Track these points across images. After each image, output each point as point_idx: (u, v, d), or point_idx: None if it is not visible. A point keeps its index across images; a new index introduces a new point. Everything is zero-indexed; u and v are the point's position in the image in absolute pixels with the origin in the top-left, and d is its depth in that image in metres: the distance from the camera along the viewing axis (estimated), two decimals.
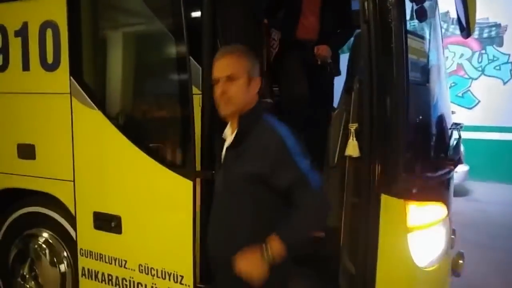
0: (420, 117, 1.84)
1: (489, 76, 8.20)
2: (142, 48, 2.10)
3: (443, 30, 8.15)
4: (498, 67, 8.12)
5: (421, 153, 1.80)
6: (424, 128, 1.83)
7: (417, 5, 1.95)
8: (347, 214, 1.79)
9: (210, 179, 1.82)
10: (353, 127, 1.69)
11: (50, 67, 2.19)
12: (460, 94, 8.44)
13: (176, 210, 1.90)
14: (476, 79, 8.31)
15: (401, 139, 1.63)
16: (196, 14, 1.80)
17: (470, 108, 8.33)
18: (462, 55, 8.36)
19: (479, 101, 8.26)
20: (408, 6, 1.69)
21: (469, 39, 8.71)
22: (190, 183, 1.81)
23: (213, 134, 1.83)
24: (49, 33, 2.17)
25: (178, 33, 1.81)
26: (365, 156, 1.65)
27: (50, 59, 2.18)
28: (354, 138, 1.69)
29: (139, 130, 2.03)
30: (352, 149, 1.69)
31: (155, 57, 2.04)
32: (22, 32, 2.24)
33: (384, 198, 1.63)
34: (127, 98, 2.15)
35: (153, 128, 2.07)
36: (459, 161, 1.98)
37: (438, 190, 1.88)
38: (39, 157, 2.29)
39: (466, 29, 2.34)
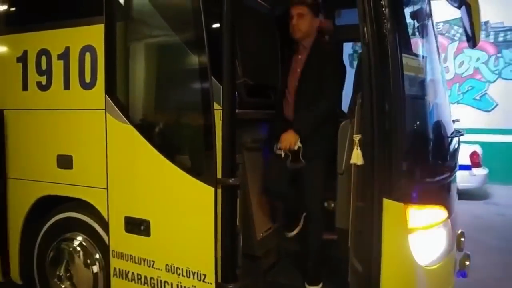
0: (418, 128, 2.01)
1: (506, 79, 8.32)
2: (168, 69, 2.33)
3: (458, 35, 8.36)
4: None
5: (419, 160, 1.97)
6: (422, 137, 2.01)
7: (418, 22, 2.16)
8: (354, 217, 1.97)
9: (230, 185, 2.04)
10: (357, 137, 1.88)
11: (88, 86, 2.44)
12: (477, 98, 8.53)
13: (199, 214, 2.08)
14: (493, 82, 8.44)
15: (399, 148, 1.82)
16: (217, 37, 2.01)
17: (488, 111, 8.42)
18: (478, 59, 8.52)
19: (497, 104, 8.34)
20: (404, 27, 1.89)
21: (485, 43, 8.79)
22: (212, 189, 2.01)
23: (231, 146, 2.04)
24: (87, 56, 2.43)
25: (201, 56, 2.03)
26: (367, 164, 1.84)
27: (88, 79, 2.43)
28: (358, 148, 1.87)
29: (166, 142, 2.23)
30: (357, 157, 1.87)
31: (179, 76, 2.28)
32: (64, 56, 2.51)
33: (385, 202, 1.81)
34: (154, 114, 2.38)
35: (179, 140, 2.28)
36: (455, 167, 2.13)
37: (437, 194, 2.04)
38: (76, 167, 2.52)
39: (472, 39, 2.49)
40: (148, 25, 2.35)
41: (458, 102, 8.63)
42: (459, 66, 8.71)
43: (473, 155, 6.63)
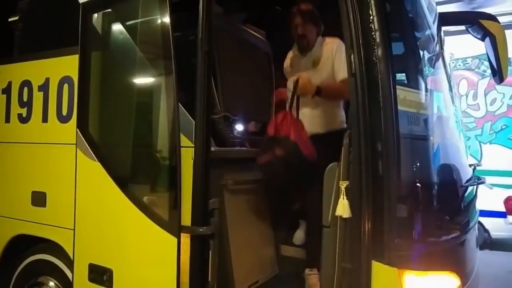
0: (418, 174, 1.65)
1: None
2: (139, 103, 2.15)
3: (489, 71, 7.89)
4: None
5: (419, 214, 1.60)
6: (423, 185, 1.63)
7: (423, 51, 1.89)
8: (339, 281, 1.61)
9: (200, 235, 1.76)
10: (343, 184, 1.56)
11: (64, 119, 2.30)
12: None
13: (162, 267, 1.82)
14: None
15: (394, 199, 1.47)
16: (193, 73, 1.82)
17: None
18: None
19: None
20: (402, 54, 1.62)
21: None
22: (174, 239, 1.74)
23: (203, 189, 1.78)
24: (65, 87, 2.31)
25: (170, 89, 1.85)
26: (355, 217, 1.51)
27: (65, 111, 2.31)
28: (345, 197, 1.56)
29: (132, 184, 2.02)
30: (343, 209, 1.55)
31: (150, 111, 2.08)
32: (44, 87, 2.41)
33: (375, 265, 1.45)
34: (122, 151, 2.18)
35: (145, 182, 2.06)
36: (470, 221, 1.73)
37: (445, 256, 1.63)
38: (49, 205, 2.35)
39: (498, 73, 2.28)
40: (122, 56, 2.20)
41: (490, 142, 8.02)
42: (491, 104, 8.19)
43: (509, 200, 6.05)
